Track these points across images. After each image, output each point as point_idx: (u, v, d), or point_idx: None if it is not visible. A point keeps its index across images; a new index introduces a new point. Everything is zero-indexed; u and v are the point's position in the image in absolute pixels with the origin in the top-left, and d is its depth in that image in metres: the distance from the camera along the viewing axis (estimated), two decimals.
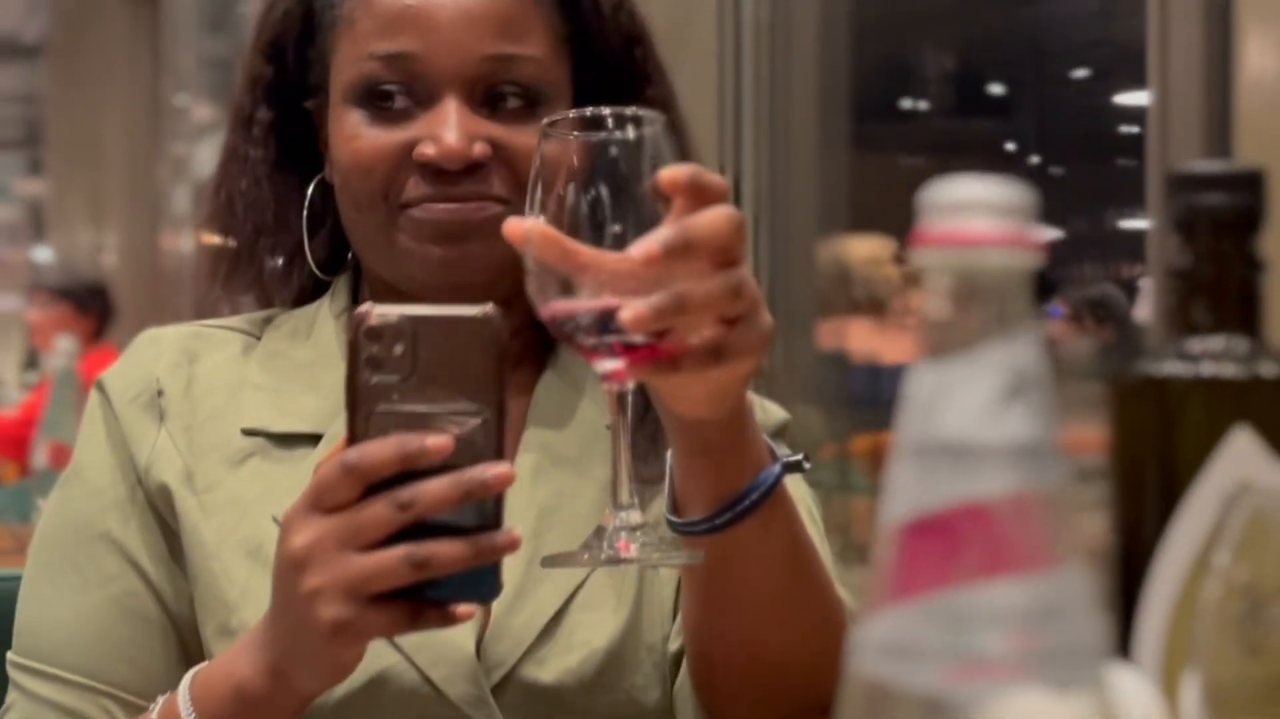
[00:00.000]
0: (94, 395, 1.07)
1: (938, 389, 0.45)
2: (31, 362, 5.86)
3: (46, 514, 1.06)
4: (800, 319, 2.86)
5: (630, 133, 0.79)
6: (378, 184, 1.01)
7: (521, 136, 0.99)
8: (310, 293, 1.12)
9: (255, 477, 1.00)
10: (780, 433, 1.10)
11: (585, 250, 0.77)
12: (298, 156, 1.09)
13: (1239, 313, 0.59)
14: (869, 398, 4.36)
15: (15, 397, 6.12)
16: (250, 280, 1.10)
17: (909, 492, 0.45)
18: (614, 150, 0.78)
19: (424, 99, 1.01)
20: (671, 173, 0.78)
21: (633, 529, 0.82)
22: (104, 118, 8.73)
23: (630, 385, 0.81)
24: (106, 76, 8.61)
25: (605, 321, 0.77)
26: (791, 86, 2.66)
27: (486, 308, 0.80)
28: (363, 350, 0.79)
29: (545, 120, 0.81)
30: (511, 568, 0.97)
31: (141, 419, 1.03)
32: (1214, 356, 0.58)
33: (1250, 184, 0.59)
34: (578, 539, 0.97)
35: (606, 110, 0.79)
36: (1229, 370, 0.58)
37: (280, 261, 1.10)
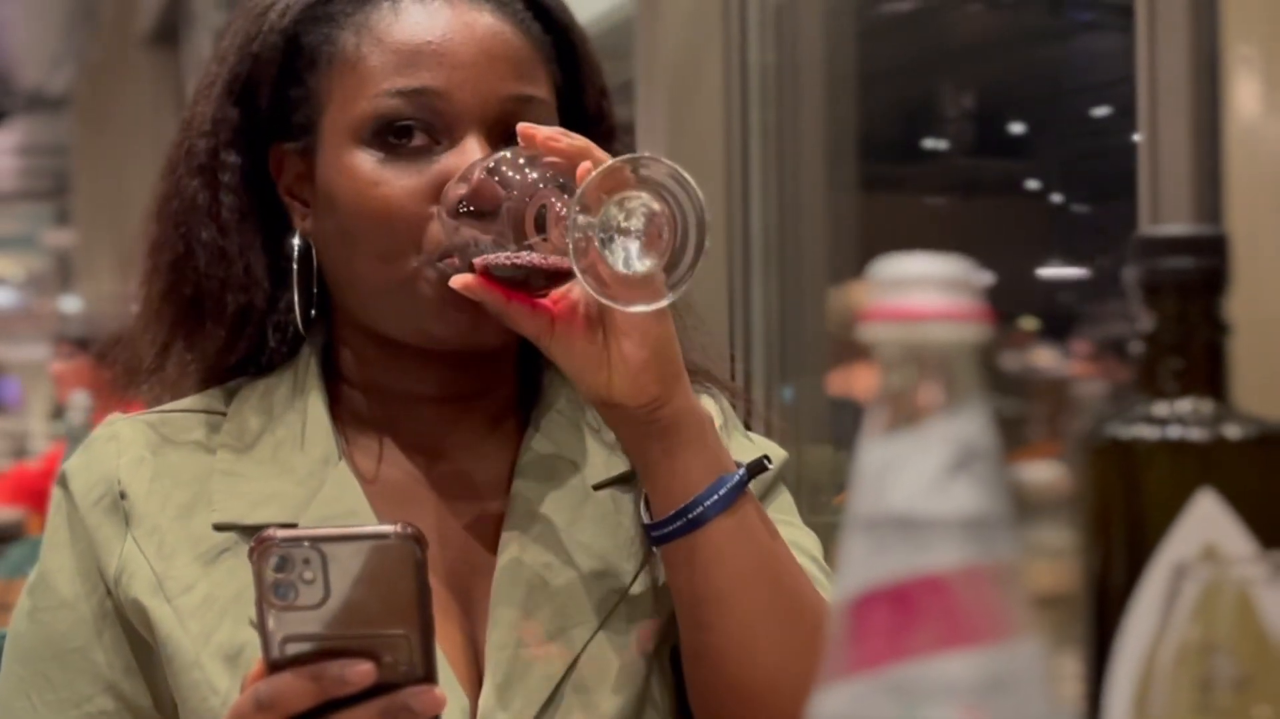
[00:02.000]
0: (57, 492, 1.03)
1: (886, 462, 0.46)
2: (58, 412, 5.90)
3: (17, 619, 1.02)
4: (811, 362, 2.86)
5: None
6: (406, 233, 0.96)
7: None
8: (277, 353, 1.05)
9: (229, 575, 0.96)
10: (780, 473, 1.08)
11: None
12: (261, 205, 1.03)
13: (1205, 376, 0.59)
14: None
15: (42, 447, 6.16)
16: (218, 337, 1.03)
17: (860, 565, 0.46)
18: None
19: (444, 137, 0.97)
20: (529, 126, 0.91)
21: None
22: (130, 167, 8.81)
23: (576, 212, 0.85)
24: (131, 126, 8.70)
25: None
26: (800, 130, 2.68)
27: (400, 527, 0.77)
28: (268, 578, 0.77)
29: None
30: (499, 655, 0.95)
31: (106, 524, 0.99)
32: (1180, 419, 0.59)
33: (1214, 247, 0.59)
34: (569, 614, 0.96)
35: None
36: (1194, 433, 0.58)
37: (248, 318, 1.03)
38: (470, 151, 0.96)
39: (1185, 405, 0.59)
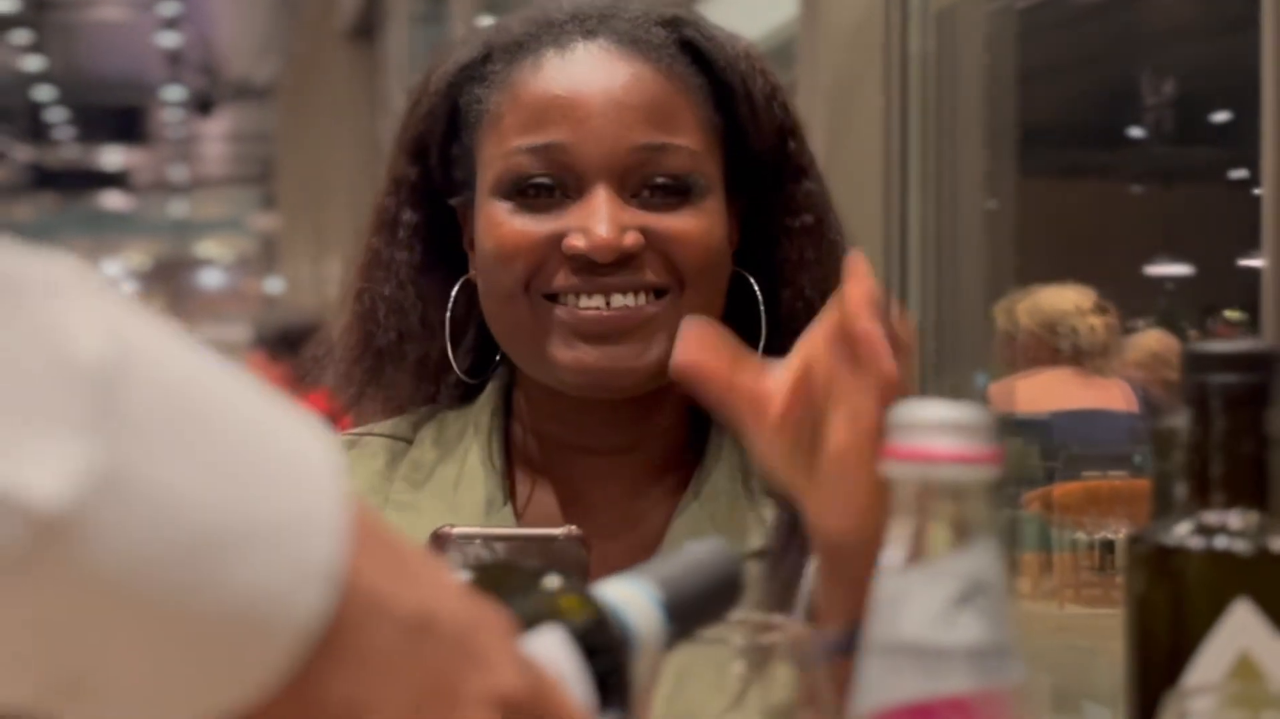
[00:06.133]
0: None
1: (899, 593, 0.50)
2: None
3: None
4: (966, 360, 2.86)
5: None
6: (521, 273, 0.98)
7: (675, 222, 0.98)
8: (462, 394, 1.08)
9: None
10: None
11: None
12: (442, 259, 1.06)
13: (1250, 487, 0.62)
14: (1073, 442, 4.31)
15: None
16: (403, 387, 1.07)
17: (876, 685, 0.50)
18: None
19: (573, 190, 0.98)
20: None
21: None
22: (328, 155, 9.13)
23: None
24: (330, 116, 9.00)
25: None
26: (958, 131, 2.67)
27: (567, 530, 0.83)
28: None
29: None
30: None
31: None
32: (1224, 530, 0.61)
33: (1262, 364, 0.61)
34: (717, 694, 0.94)
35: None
36: (1237, 544, 0.61)
37: (425, 366, 1.07)
38: (597, 203, 0.97)
39: (1230, 516, 0.61)
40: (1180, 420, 0.63)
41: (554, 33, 1.01)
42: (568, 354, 0.98)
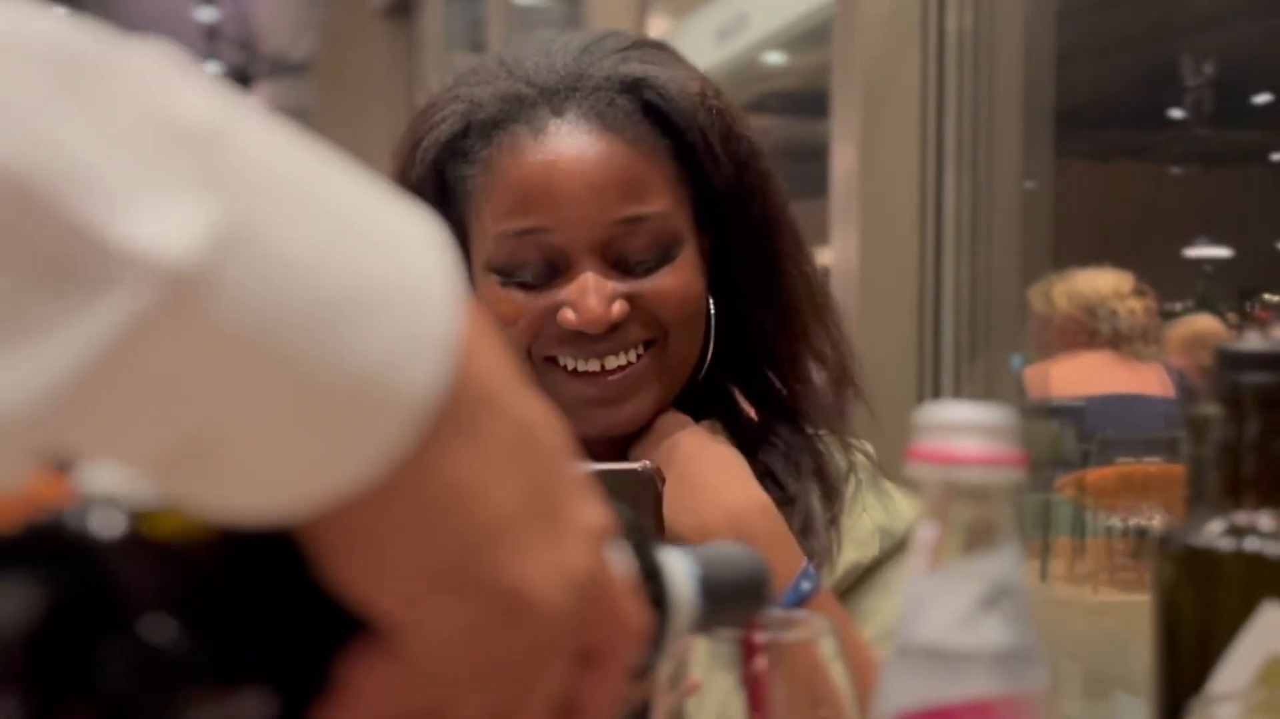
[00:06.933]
0: None
1: (924, 596, 0.50)
2: None
3: None
4: (1000, 339, 2.85)
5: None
6: (520, 340, 1.07)
7: (656, 283, 1.06)
8: None
9: None
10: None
11: None
12: None
13: None
14: (1109, 427, 4.28)
15: None
16: None
17: (895, 690, 0.50)
18: None
19: (561, 266, 1.06)
20: None
21: None
22: (365, 132, 9.14)
23: None
24: (367, 93, 9.01)
25: None
26: (995, 110, 2.65)
27: (647, 463, 0.88)
28: None
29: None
30: None
31: None
32: (1255, 531, 0.61)
33: None
34: (730, 690, 0.99)
35: None
36: (1269, 547, 0.60)
37: None
38: (584, 281, 1.04)
39: (1261, 517, 0.61)
40: (1216, 407, 0.62)
41: (525, 112, 1.07)
42: (573, 419, 1.04)
